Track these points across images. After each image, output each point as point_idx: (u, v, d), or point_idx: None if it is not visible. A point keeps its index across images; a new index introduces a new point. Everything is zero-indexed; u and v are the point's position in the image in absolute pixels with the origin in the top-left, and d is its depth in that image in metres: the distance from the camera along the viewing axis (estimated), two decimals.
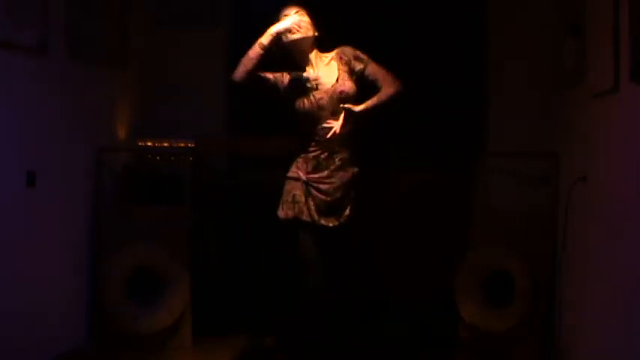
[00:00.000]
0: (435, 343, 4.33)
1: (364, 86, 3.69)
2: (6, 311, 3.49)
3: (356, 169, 3.63)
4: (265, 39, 3.52)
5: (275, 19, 3.68)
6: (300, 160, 3.61)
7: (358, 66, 3.64)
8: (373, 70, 3.64)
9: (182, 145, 4.56)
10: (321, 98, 3.57)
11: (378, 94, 3.63)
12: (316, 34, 3.65)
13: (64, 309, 4.03)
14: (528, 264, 4.10)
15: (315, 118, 3.56)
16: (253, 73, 3.51)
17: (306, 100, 3.55)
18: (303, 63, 3.66)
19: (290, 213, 3.57)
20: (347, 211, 3.58)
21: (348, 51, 3.67)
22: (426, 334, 4.45)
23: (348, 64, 3.64)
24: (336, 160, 3.57)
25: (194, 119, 4.81)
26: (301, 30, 3.57)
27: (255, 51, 3.51)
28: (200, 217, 4.50)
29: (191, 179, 4.40)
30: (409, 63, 4.75)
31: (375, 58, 3.75)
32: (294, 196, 3.56)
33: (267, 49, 3.51)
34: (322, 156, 3.56)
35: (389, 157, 4.74)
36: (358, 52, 3.67)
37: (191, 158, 4.49)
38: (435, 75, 4.76)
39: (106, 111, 4.50)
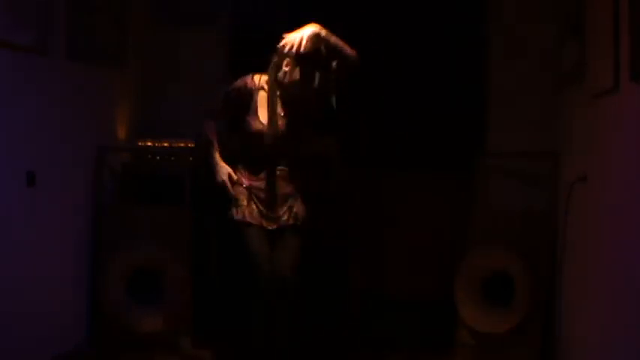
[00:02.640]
0: (435, 343, 4.33)
1: None
2: (6, 311, 3.49)
3: (299, 181, 3.66)
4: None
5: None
6: (241, 166, 3.69)
7: None
8: None
9: (182, 145, 4.56)
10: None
11: None
12: None
13: (64, 309, 4.04)
14: (528, 264, 4.09)
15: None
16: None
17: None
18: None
19: (237, 216, 3.64)
20: (285, 217, 3.62)
21: None
22: (426, 334, 4.45)
23: None
24: (277, 171, 3.62)
25: (194, 119, 4.80)
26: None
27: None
28: (200, 217, 4.50)
29: (191, 179, 4.40)
30: (410, 63, 4.77)
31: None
32: (238, 200, 3.64)
33: None
34: (263, 166, 3.63)
35: (389, 157, 4.74)
36: None
37: (191, 158, 4.49)
38: (435, 74, 4.76)
39: (106, 111, 4.51)
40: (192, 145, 4.56)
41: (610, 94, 3.14)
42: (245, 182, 3.64)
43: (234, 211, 3.65)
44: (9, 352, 3.49)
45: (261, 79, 3.62)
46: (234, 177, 3.66)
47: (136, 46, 4.75)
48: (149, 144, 4.59)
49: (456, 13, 4.76)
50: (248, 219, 3.61)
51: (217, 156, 3.70)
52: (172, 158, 4.52)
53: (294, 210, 3.64)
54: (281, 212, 3.62)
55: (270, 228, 3.61)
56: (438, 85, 4.75)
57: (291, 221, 3.63)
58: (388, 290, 4.75)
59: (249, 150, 3.67)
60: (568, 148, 4.01)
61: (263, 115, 3.58)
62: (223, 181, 3.66)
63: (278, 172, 3.62)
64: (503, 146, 4.59)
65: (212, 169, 3.70)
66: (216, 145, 3.71)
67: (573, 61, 3.76)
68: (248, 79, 3.62)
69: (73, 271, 4.15)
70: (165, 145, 4.58)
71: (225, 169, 3.68)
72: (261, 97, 3.61)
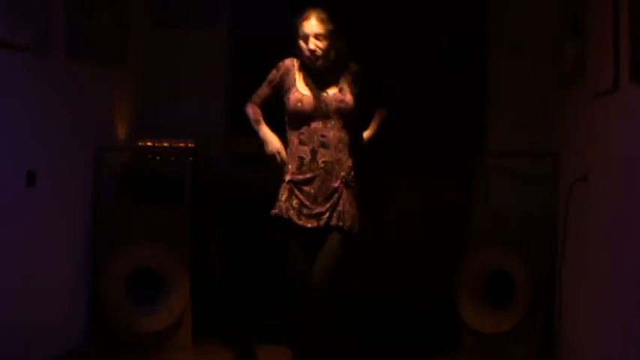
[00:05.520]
0: (435, 342, 4.33)
1: None
2: (6, 311, 3.49)
3: (344, 173, 3.49)
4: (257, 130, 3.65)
5: (296, 21, 3.58)
6: (287, 160, 3.57)
7: (360, 84, 3.59)
8: (371, 93, 3.66)
9: (182, 145, 4.56)
10: (321, 100, 3.50)
11: (376, 120, 3.74)
12: (340, 47, 3.55)
13: (64, 309, 4.04)
14: (528, 264, 4.10)
15: (306, 118, 3.50)
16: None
17: (304, 100, 3.50)
18: (322, 73, 3.57)
19: (277, 211, 3.51)
20: (327, 215, 3.43)
21: (356, 67, 3.61)
22: (426, 333, 4.45)
23: (354, 78, 3.58)
24: (320, 162, 3.47)
25: (194, 119, 4.81)
26: (328, 53, 3.52)
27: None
28: (200, 217, 4.50)
29: (191, 179, 4.40)
30: (410, 62, 4.77)
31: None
32: (281, 195, 3.52)
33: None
34: (306, 157, 3.48)
35: (389, 156, 4.74)
36: (365, 72, 3.63)
37: (191, 158, 4.49)
38: (436, 74, 4.76)
39: (106, 111, 4.50)
40: (192, 145, 4.56)
41: (610, 94, 3.14)
42: (287, 176, 3.49)
43: (276, 206, 3.51)
44: (9, 352, 3.49)
45: (298, 61, 3.59)
46: (284, 154, 3.55)
47: (136, 46, 4.75)
48: (149, 144, 4.58)
49: (456, 13, 4.76)
50: (285, 214, 3.45)
51: (267, 129, 3.61)
52: (172, 158, 4.52)
53: (339, 209, 3.45)
54: (323, 209, 3.44)
55: (310, 226, 3.43)
56: (439, 84, 4.75)
57: (334, 222, 3.42)
58: (388, 289, 4.74)
59: (295, 137, 3.53)
60: (568, 148, 4.01)
61: (302, 88, 3.53)
62: (273, 154, 3.55)
63: (322, 164, 3.46)
64: (504, 146, 4.60)
65: (262, 141, 3.60)
66: (263, 121, 3.63)
67: (573, 61, 3.76)
68: (287, 60, 3.59)
69: (73, 271, 4.14)
70: (165, 145, 4.57)
71: (275, 144, 3.56)
72: (299, 76, 3.55)
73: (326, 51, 3.50)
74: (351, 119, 3.56)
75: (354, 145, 3.60)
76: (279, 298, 4.14)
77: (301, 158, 3.49)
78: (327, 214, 3.44)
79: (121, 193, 4.53)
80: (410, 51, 4.75)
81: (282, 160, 3.54)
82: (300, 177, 3.48)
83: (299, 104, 3.49)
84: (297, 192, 3.47)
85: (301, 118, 3.50)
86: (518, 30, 4.57)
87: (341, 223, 3.43)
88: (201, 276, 4.44)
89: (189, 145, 4.56)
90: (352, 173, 3.54)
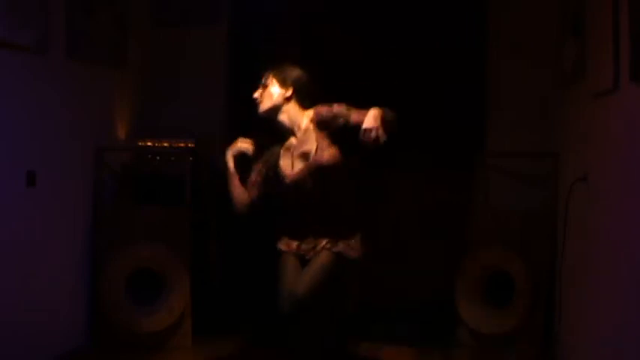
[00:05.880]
0: (435, 343, 4.33)
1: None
2: (6, 311, 3.49)
3: (341, 235, 3.37)
4: (230, 163, 3.46)
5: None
6: (285, 238, 3.49)
7: (340, 121, 3.32)
8: (357, 117, 3.30)
9: (182, 145, 4.56)
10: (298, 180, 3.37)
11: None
12: (288, 94, 3.39)
13: (64, 309, 4.03)
14: (528, 264, 4.10)
15: (296, 197, 3.40)
16: (249, 200, 3.47)
17: (287, 189, 3.40)
18: (288, 129, 3.44)
19: (282, 247, 3.48)
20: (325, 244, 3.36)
21: (325, 111, 3.36)
22: (426, 333, 4.45)
23: (327, 127, 3.34)
24: (316, 228, 3.38)
25: (194, 119, 4.81)
26: (263, 101, 3.42)
27: (232, 183, 3.46)
28: (200, 217, 4.50)
29: (191, 179, 4.40)
30: (410, 63, 4.77)
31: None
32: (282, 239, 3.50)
33: (239, 169, 3.46)
34: (302, 226, 3.41)
35: (388, 156, 4.74)
36: (335, 108, 3.35)
37: (191, 158, 4.49)
38: (436, 74, 4.75)
39: (106, 111, 4.50)
40: (192, 145, 4.56)
41: (610, 94, 3.14)
42: (283, 240, 3.48)
43: (282, 241, 3.50)
44: (9, 352, 3.49)
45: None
46: (246, 145, 3.43)
47: (136, 46, 4.75)
48: (149, 144, 4.58)
49: (456, 12, 4.75)
50: (290, 250, 3.42)
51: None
52: (172, 158, 4.52)
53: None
54: (319, 246, 3.37)
55: (307, 257, 3.36)
56: (439, 85, 4.74)
57: (323, 243, 3.35)
58: (387, 289, 4.74)
59: (286, 214, 3.47)
60: (568, 148, 4.01)
61: (285, 170, 3.43)
62: (237, 149, 3.44)
63: (319, 230, 3.36)
64: (504, 146, 4.59)
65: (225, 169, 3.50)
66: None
67: (573, 61, 3.77)
68: (275, 147, 3.50)
69: (73, 271, 4.14)
70: (165, 145, 4.58)
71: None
72: (282, 156, 3.46)
73: (264, 97, 3.41)
74: (341, 172, 3.38)
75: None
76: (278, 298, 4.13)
77: (297, 226, 3.43)
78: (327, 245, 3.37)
79: (121, 193, 4.53)
80: (410, 51, 4.75)
81: (251, 147, 3.44)
82: (298, 239, 3.43)
83: (287, 192, 3.40)
84: (297, 242, 3.43)
85: (291, 199, 3.43)
86: (518, 30, 4.57)
87: (329, 245, 3.35)
88: (201, 276, 4.44)
89: (189, 145, 4.56)
90: (352, 234, 3.43)
